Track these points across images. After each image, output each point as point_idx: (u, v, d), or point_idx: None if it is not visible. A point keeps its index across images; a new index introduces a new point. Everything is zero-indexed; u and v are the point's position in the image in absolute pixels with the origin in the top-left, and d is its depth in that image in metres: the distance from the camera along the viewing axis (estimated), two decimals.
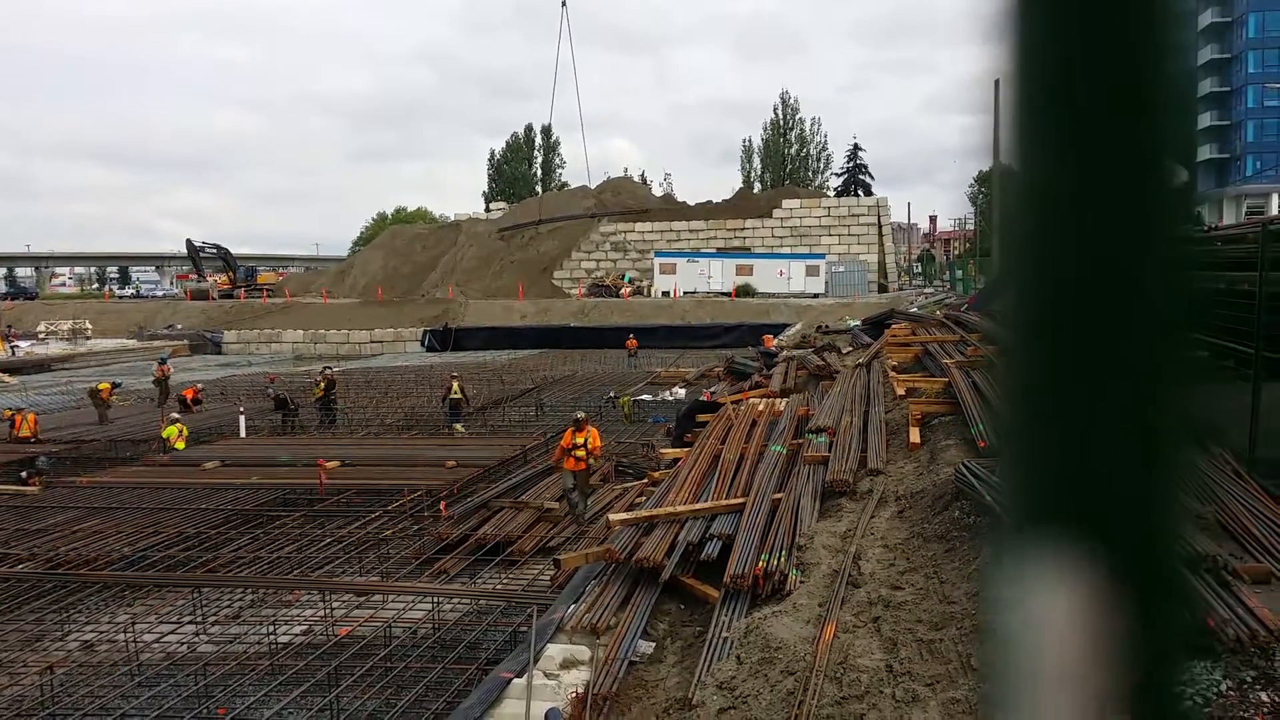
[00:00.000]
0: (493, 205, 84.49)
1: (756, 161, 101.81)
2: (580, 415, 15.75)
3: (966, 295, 37.98)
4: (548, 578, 11.75)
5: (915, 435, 13.64)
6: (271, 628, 10.61)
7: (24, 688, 9.35)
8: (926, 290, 60.91)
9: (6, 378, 41.47)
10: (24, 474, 18.98)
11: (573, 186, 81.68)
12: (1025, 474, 0.53)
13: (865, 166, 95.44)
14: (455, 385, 25.46)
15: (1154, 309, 0.52)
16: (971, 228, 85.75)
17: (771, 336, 35.63)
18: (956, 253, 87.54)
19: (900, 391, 16.31)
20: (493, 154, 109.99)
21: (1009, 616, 0.53)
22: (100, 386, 28.28)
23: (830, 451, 13.11)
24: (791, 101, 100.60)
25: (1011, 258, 0.55)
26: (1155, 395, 0.52)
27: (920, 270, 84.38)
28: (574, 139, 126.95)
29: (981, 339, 18.78)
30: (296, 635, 10.55)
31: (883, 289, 60.85)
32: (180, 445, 21.51)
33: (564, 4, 43.19)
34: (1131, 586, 0.49)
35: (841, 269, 59.51)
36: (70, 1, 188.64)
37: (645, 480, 15.68)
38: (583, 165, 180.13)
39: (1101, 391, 0.51)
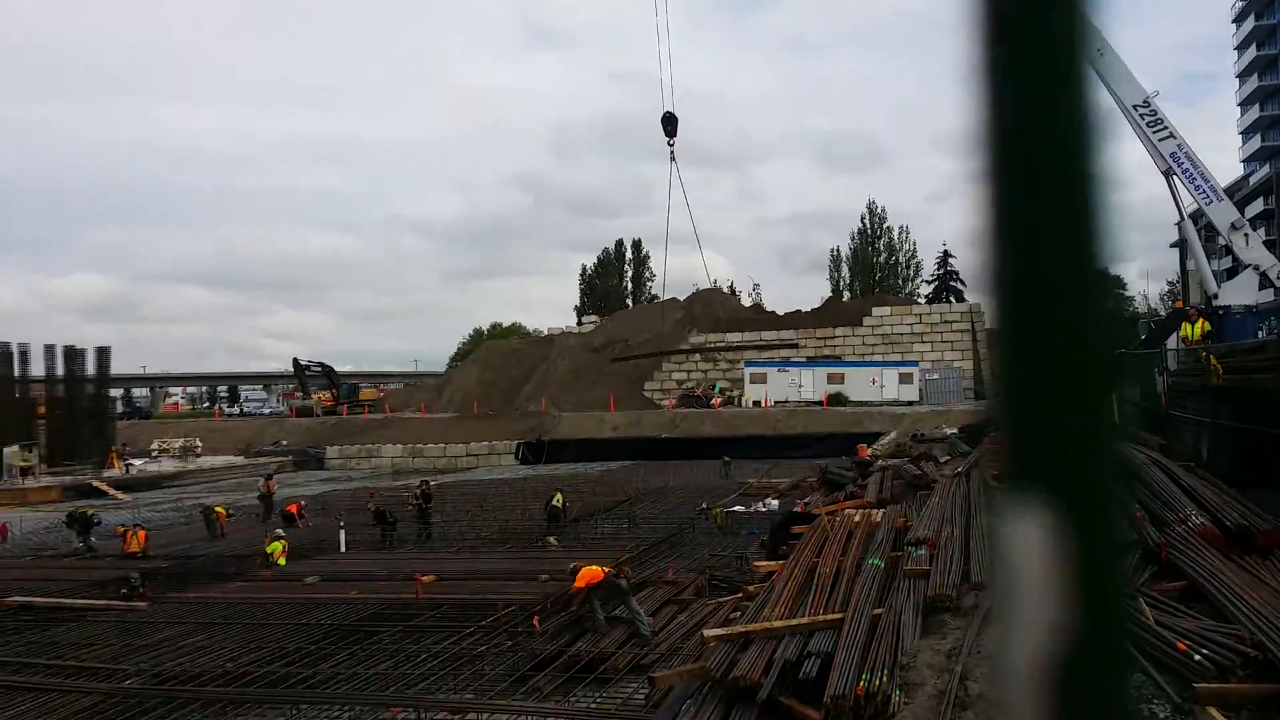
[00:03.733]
0: (585, 319, 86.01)
1: (845, 270, 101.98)
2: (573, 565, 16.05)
3: None
4: (642, 696, 11.54)
5: None
6: None
7: None
8: None
9: (120, 495, 43.14)
10: (123, 590, 19.53)
11: (663, 299, 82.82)
12: (1008, 447, 0.76)
13: (956, 273, 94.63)
14: (558, 496, 25.65)
15: (1086, 335, 0.76)
16: None
17: (865, 446, 35.07)
18: None
19: None
20: (584, 269, 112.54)
21: (1000, 550, 0.76)
22: (217, 509, 29.25)
23: (931, 564, 12.73)
24: (878, 210, 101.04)
25: (995, 298, 0.78)
26: (1093, 390, 0.75)
27: None
28: (662, 254, 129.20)
29: None
30: None
31: (979, 396, 59.64)
32: (283, 561, 21.97)
33: (673, 159, 45.24)
34: (1076, 521, 0.73)
35: (936, 376, 58.63)
36: (167, 136, 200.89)
37: (739, 595, 15.41)
38: (674, 276, 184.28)
39: (1056, 387, 0.75)
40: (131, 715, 12.26)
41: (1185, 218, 33.49)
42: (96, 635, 16.42)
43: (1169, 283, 76.78)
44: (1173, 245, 43.89)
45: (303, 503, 30.90)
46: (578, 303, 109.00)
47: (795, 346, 64.33)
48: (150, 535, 25.67)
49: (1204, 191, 31.10)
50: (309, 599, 18.08)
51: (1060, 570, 0.72)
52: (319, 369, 74.74)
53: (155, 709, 12.36)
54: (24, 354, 54.26)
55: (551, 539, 24.22)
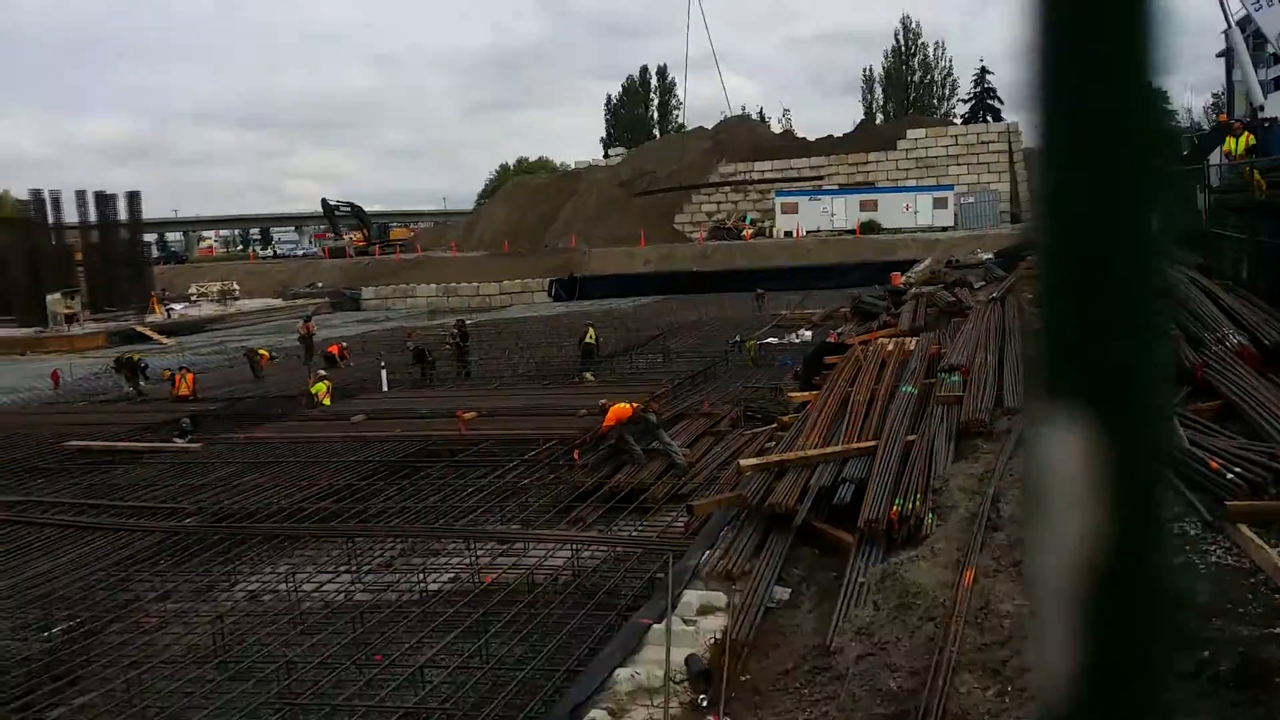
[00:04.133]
0: (611, 151, 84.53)
1: (879, 92, 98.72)
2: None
3: None
4: (681, 525, 11.94)
5: None
6: (421, 576, 11.12)
7: (198, 636, 10.08)
8: None
9: (164, 339, 44.04)
10: (175, 436, 20.14)
11: (690, 129, 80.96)
12: (1046, 356, 0.72)
13: (994, 91, 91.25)
14: (590, 332, 25.88)
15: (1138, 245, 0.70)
16: None
17: (899, 274, 34.79)
18: None
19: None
20: (609, 99, 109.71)
21: (1034, 462, 0.72)
22: (260, 351, 29.83)
23: (964, 391, 12.83)
24: (913, 26, 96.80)
25: (1037, 210, 0.72)
26: (1139, 297, 0.70)
27: None
28: (689, 79, 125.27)
29: None
30: (445, 583, 11.04)
31: (1016, 219, 58.59)
32: (328, 401, 22.53)
33: None
34: (1119, 428, 0.69)
35: (971, 200, 57.51)
36: None
37: (774, 425, 15.68)
38: (703, 104, 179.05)
39: (1097, 292, 0.70)
40: (195, 551, 12.89)
41: (1232, 24, 31.85)
42: (153, 477, 17.09)
43: (1213, 95, 73.78)
44: (1219, 55, 41.80)
45: (344, 344, 31.45)
46: (604, 134, 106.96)
47: (819, 179, 62.90)
48: (197, 378, 26.33)
49: None
50: (356, 437, 18.62)
51: (1100, 479, 0.68)
52: (348, 209, 74.58)
53: (216, 544, 12.98)
54: (55, 201, 54.40)
55: (588, 375, 24.59)
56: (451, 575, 11.27)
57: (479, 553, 11.82)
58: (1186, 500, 7.50)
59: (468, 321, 31.63)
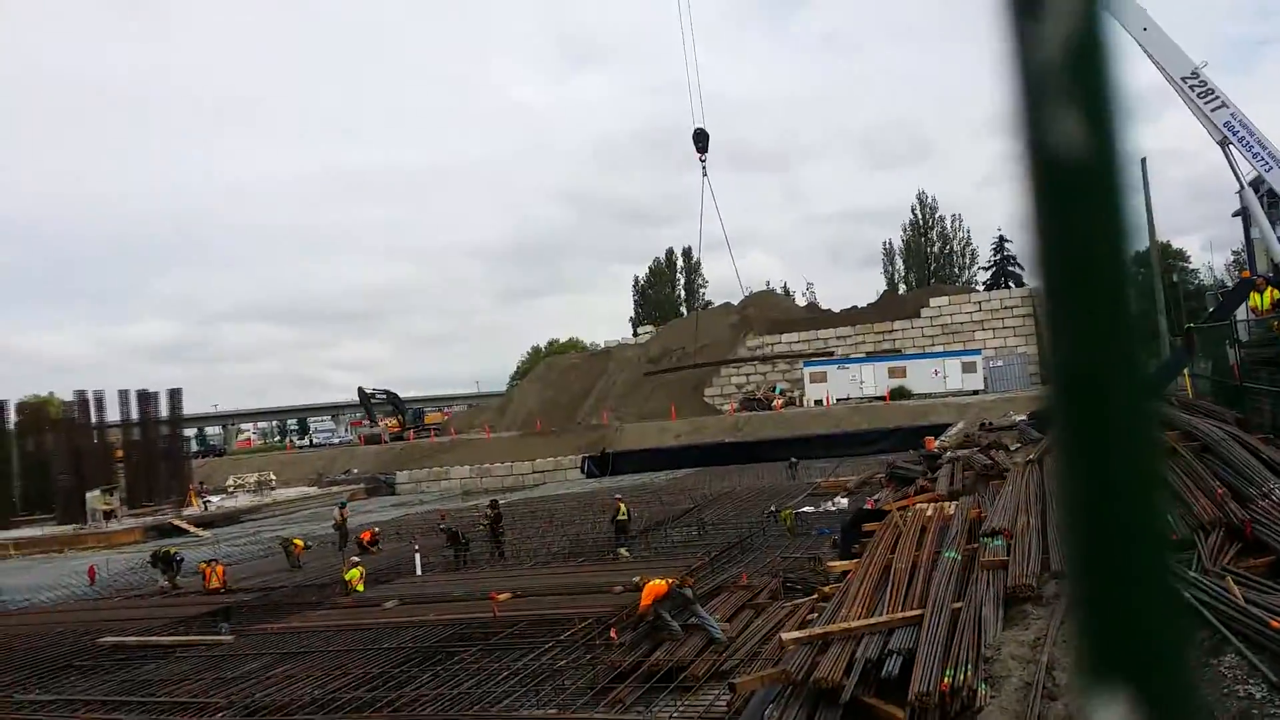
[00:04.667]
0: (640, 329, 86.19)
1: (899, 263, 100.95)
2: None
3: None
4: (724, 703, 11.53)
5: None
6: None
7: None
8: None
9: (200, 532, 44.17)
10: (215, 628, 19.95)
11: (716, 305, 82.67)
12: (1082, 632, 0.75)
13: (1014, 258, 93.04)
14: (622, 507, 25.74)
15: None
16: None
17: (933, 438, 34.55)
18: None
19: None
20: (637, 280, 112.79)
21: None
22: (295, 541, 29.85)
23: (1009, 555, 12.55)
24: (929, 201, 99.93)
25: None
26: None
27: None
28: (713, 259, 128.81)
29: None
30: None
31: (1045, 381, 58.54)
32: (361, 587, 22.33)
33: (704, 175, 44.85)
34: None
35: (1000, 363, 57.73)
36: (231, 178, 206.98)
37: (815, 596, 15.32)
38: (724, 284, 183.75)
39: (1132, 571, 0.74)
40: None
41: (1245, 185, 32.65)
42: (186, 671, 16.83)
43: (1234, 252, 74.78)
44: (1235, 214, 42.68)
45: (375, 529, 31.38)
46: (632, 314, 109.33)
47: (830, 354, 63.45)
48: (231, 568, 26.25)
49: (1262, 159, 30.30)
50: (389, 623, 18.35)
51: None
52: (384, 396, 75.89)
53: None
54: (99, 401, 56.02)
55: (623, 550, 24.30)
56: None
57: None
58: (1249, 661, 7.20)
59: (501, 501, 31.58)
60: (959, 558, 13.05)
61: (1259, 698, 6.66)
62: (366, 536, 29.80)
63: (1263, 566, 9.70)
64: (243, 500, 55.79)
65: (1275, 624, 7.44)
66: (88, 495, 47.70)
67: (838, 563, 16.86)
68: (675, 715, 12.00)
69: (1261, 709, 6.43)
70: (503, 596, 18.82)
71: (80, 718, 14.48)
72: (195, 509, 51.24)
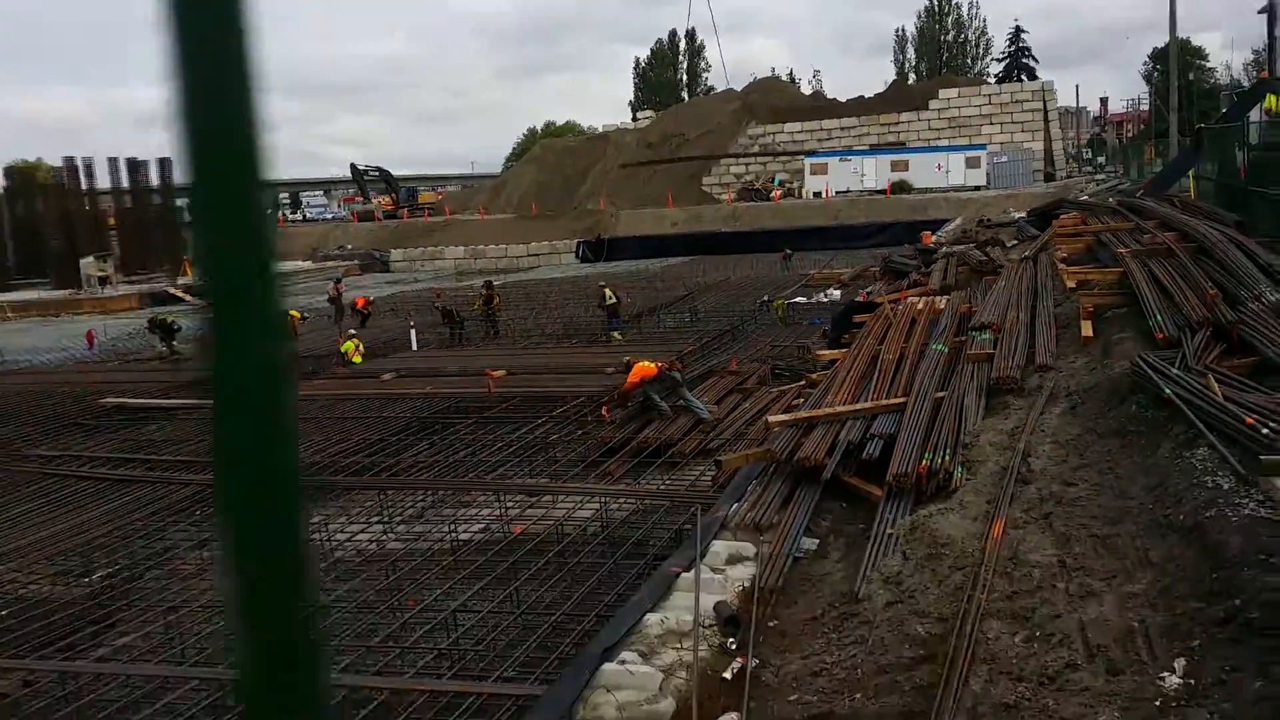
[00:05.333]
0: (639, 114, 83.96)
1: (910, 52, 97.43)
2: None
3: (1142, 180, 35.66)
4: (709, 479, 11.98)
5: (1088, 329, 13.13)
6: (452, 526, 11.25)
7: None
8: (1097, 177, 57.46)
9: (196, 301, 44.45)
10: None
11: (718, 90, 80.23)
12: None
13: (1028, 49, 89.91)
14: (607, 292, 25.85)
15: None
16: (1146, 108, 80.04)
17: (930, 233, 34.51)
18: (1130, 135, 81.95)
19: (1070, 284, 15.65)
20: (638, 62, 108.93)
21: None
22: (291, 313, 30.10)
23: (995, 348, 12.76)
24: None
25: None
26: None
27: (1090, 156, 79.49)
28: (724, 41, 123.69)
29: (1160, 225, 17.72)
30: (475, 533, 11.16)
31: (1049, 178, 57.80)
32: (357, 359, 22.71)
33: None
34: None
35: (1004, 159, 56.70)
36: None
37: (802, 383, 15.65)
38: (732, 67, 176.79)
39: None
40: None
41: None
42: (188, 433, 17.33)
43: (1254, 51, 72.20)
44: (1260, 11, 40.77)
45: (370, 298, 31.79)
46: (632, 98, 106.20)
47: (841, 150, 62.11)
48: None
49: None
50: (386, 395, 18.78)
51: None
52: (376, 173, 74.64)
53: None
54: (89, 167, 54.92)
55: (615, 334, 24.61)
56: (481, 526, 11.39)
57: (508, 505, 11.94)
58: (1220, 454, 7.45)
59: (495, 282, 31.71)
60: (946, 350, 13.26)
61: (1226, 489, 6.93)
62: (360, 303, 30.18)
63: (1245, 367, 9.89)
64: None
65: (1250, 420, 7.65)
66: (82, 261, 47.62)
67: (826, 351, 17.14)
68: (662, 487, 12.48)
69: (1228, 498, 6.70)
70: (497, 374, 19.17)
71: (87, 471, 15.01)
72: (190, 278, 51.30)
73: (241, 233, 0.83)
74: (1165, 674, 5.24)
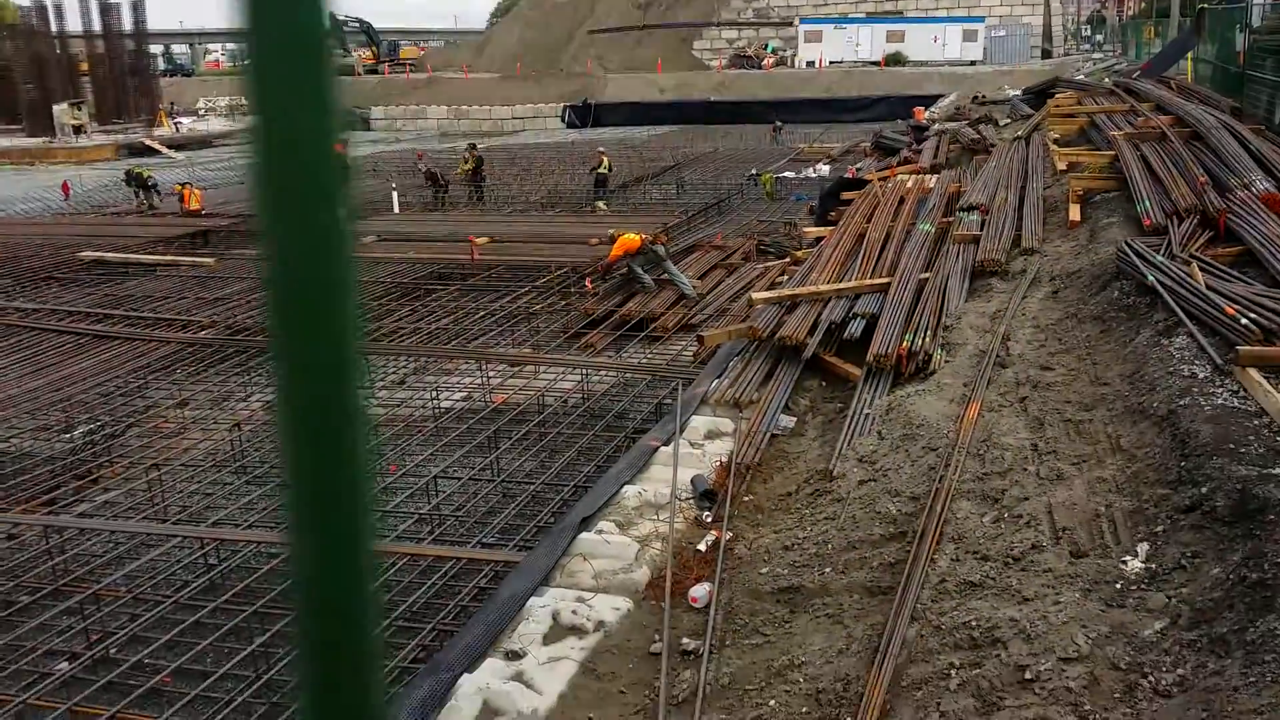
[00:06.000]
0: None
1: None
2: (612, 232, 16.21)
3: (1140, 61, 34.96)
4: (690, 354, 12.05)
5: (1075, 213, 13.06)
6: (434, 393, 11.32)
7: (216, 442, 10.35)
8: (1095, 56, 56.26)
9: (173, 153, 43.48)
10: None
11: None
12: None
13: None
14: (605, 160, 25.44)
15: None
16: None
17: (923, 109, 33.91)
18: (1130, 13, 79.87)
19: (1061, 166, 15.49)
20: None
21: None
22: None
23: (982, 230, 12.71)
24: None
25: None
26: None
27: (1089, 34, 77.65)
28: None
29: (1155, 108, 17.45)
30: (457, 401, 11.24)
31: (1047, 55, 56.54)
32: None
33: None
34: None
35: (1002, 33, 55.30)
36: None
37: (787, 260, 15.61)
38: None
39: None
40: (211, 362, 13.10)
41: None
42: (169, 289, 17.20)
43: None
44: None
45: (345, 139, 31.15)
46: None
47: (837, 18, 60.29)
48: (207, 194, 26.09)
49: None
50: (368, 258, 18.60)
51: None
52: (357, 25, 72.10)
53: (232, 356, 13.18)
54: (58, 8, 52.70)
55: (601, 204, 24.32)
56: (463, 394, 11.46)
57: (490, 374, 12.00)
58: (1198, 343, 7.51)
59: (480, 145, 31.08)
60: (933, 230, 13.20)
61: (1201, 377, 7.01)
62: (339, 148, 29.57)
63: (1230, 256, 9.88)
64: (215, 124, 54.46)
65: (1231, 310, 7.69)
66: (55, 108, 46.29)
67: (813, 228, 17.03)
68: (643, 362, 12.55)
69: (1202, 388, 6.79)
70: (481, 240, 19.00)
71: (67, 325, 14.92)
72: (166, 130, 50.07)
73: (304, 78, 0.78)
74: (1128, 558, 5.40)
